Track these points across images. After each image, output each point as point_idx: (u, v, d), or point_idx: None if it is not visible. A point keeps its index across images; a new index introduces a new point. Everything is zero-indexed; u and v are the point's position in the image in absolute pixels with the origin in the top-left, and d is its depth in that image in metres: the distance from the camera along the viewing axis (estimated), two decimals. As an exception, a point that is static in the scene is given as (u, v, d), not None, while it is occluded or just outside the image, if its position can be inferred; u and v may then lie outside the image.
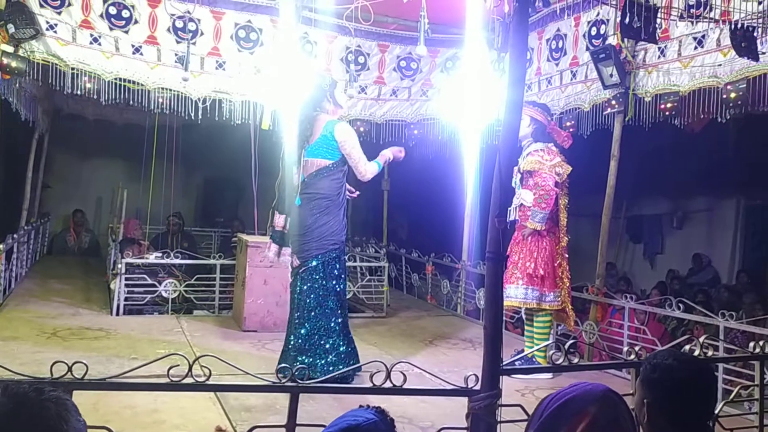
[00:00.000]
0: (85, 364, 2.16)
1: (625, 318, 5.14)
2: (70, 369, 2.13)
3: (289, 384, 2.36)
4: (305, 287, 4.30)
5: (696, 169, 9.13)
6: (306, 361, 4.13)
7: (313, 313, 4.26)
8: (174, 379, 2.24)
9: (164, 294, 6.19)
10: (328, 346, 4.27)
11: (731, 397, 3.25)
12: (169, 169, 7.44)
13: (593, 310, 5.39)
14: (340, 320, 4.32)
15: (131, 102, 6.11)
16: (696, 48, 4.63)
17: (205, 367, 2.27)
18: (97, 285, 7.28)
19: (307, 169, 4.34)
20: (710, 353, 3.06)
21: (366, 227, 10.96)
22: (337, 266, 4.34)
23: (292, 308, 4.38)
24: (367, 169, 4.35)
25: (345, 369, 3.98)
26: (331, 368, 4.11)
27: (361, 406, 1.77)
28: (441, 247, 7.84)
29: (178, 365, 2.24)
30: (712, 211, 10.06)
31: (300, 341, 4.27)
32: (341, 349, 4.30)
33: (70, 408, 1.27)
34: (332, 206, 4.31)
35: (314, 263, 4.28)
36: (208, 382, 2.28)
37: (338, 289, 4.34)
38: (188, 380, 2.24)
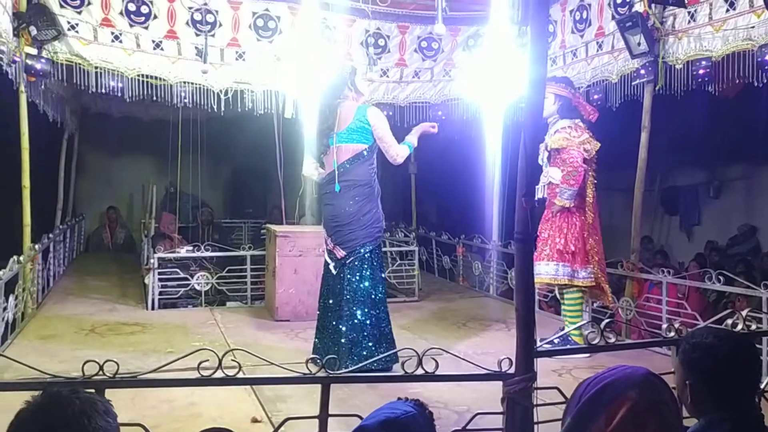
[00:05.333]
0: (115, 362, 2.17)
1: (663, 293, 5.02)
2: (101, 368, 2.14)
3: (321, 375, 2.34)
4: (355, 276, 4.22)
5: (731, 137, 8.84)
6: (367, 351, 4.12)
7: (366, 302, 4.21)
8: (204, 374, 2.23)
9: (197, 287, 6.24)
10: (382, 332, 4.24)
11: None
12: (196, 163, 7.50)
13: (629, 286, 5.27)
14: (386, 307, 4.33)
15: (155, 98, 6.15)
16: (728, 10, 4.44)
17: (235, 361, 2.26)
18: (132, 280, 7.37)
19: (341, 156, 4.24)
20: (753, 327, 2.96)
21: (395, 211, 10.90)
22: (381, 254, 4.40)
23: (336, 300, 4.25)
24: (399, 153, 4.31)
25: (384, 354, 3.98)
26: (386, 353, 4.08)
27: (399, 398, 1.74)
28: (471, 228, 7.76)
29: (208, 360, 2.23)
30: (751, 178, 9.75)
31: (355, 332, 4.18)
32: (391, 335, 4.31)
33: (98, 407, 1.34)
34: (372, 193, 4.29)
35: (364, 252, 4.22)
36: (238, 376, 2.27)
37: (384, 276, 4.40)
38: (219, 374, 2.23)
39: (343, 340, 4.18)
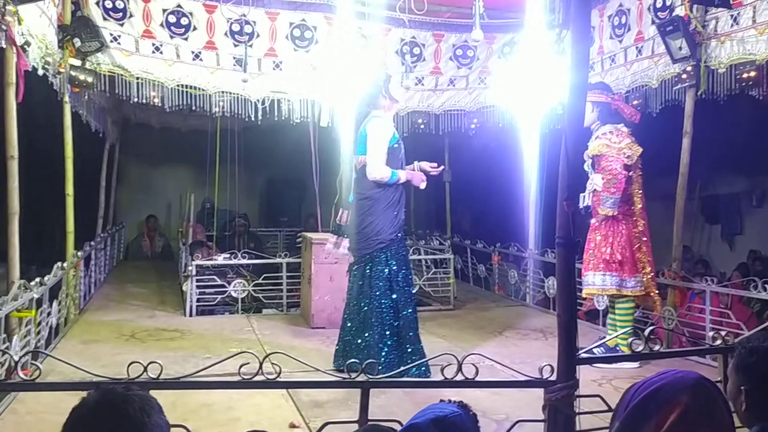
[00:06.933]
0: (159, 364, 2.20)
1: (707, 302, 4.89)
2: (145, 369, 2.17)
3: (360, 379, 2.34)
4: (356, 284, 4.33)
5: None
6: (384, 357, 4.13)
7: (362, 311, 4.26)
8: (245, 377, 2.25)
9: (234, 294, 6.30)
10: (378, 344, 4.19)
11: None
12: (232, 172, 7.60)
13: (671, 295, 5.15)
14: (411, 316, 4.28)
15: (194, 108, 6.27)
16: (772, 13, 4.34)
17: (275, 364, 2.28)
18: (170, 288, 7.48)
19: (357, 167, 4.39)
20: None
21: (429, 219, 10.88)
22: (390, 264, 4.26)
23: (346, 304, 4.43)
24: (376, 167, 4.20)
25: (408, 366, 3.91)
26: (380, 368, 4.02)
27: (441, 400, 1.75)
28: (507, 237, 7.69)
29: (249, 363, 2.25)
30: (795, 186, 9.48)
31: (349, 339, 4.28)
32: (393, 349, 4.22)
33: (153, 405, 1.35)
34: (375, 206, 4.27)
35: (362, 262, 4.31)
36: (278, 380, 2.28)
37: (393, 287, 4.26)
38: (259, 378, 2.25)
39: (339, 344, 4.35)
